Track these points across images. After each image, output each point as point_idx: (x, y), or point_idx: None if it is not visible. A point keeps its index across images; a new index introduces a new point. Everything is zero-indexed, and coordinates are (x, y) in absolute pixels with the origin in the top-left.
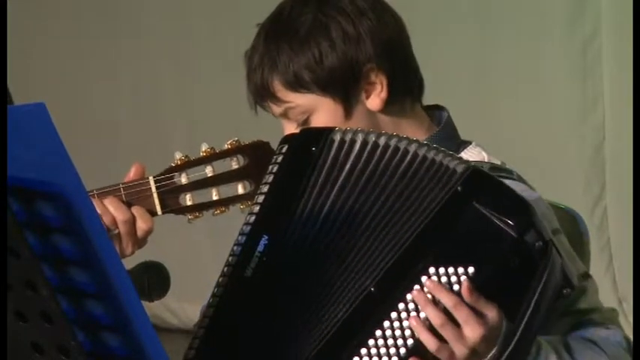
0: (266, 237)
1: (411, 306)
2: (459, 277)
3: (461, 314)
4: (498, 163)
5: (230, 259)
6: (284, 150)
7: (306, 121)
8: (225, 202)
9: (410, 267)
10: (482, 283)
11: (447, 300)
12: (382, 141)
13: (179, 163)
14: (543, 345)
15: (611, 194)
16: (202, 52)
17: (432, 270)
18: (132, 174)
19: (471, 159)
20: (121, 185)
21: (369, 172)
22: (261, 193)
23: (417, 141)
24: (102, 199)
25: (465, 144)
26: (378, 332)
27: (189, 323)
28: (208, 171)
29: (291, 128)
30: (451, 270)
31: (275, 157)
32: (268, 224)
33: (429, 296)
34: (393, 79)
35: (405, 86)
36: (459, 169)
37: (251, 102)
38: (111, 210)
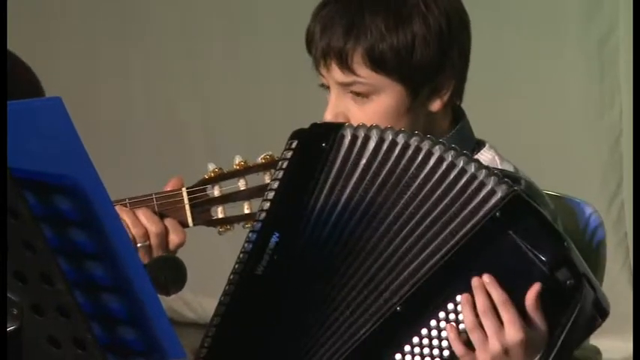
0: (277, 234)
1: (434, 333)
2: None
3: (508, 314)
4: (510, 168)
5: (241, 255)
6: (293, 145)
7: (366, 97)
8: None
9: (438, 292)
10: None
11: (496, 296)
12: (401, 139)
13: (212, 175)
14: None
15: (628, 189)
16: (216, 52)
17: (458, 298)
18: (169, 186)
19: (484, 163)
20: (154, 196)
21: (387, 172)
22: (271, 190)
23: (442, 143)
24: (134, 210)
25: (479, 145)
26: (398, 356)
27: (206, 317)
28: (241, 184)
29: (341, 99)
30: None
31: (284, 152)
32: (279, 221)
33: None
34: (458, 87)
35: (460, 93)
36: (500, 191)
37: (314, 61)
38: (143, 221)
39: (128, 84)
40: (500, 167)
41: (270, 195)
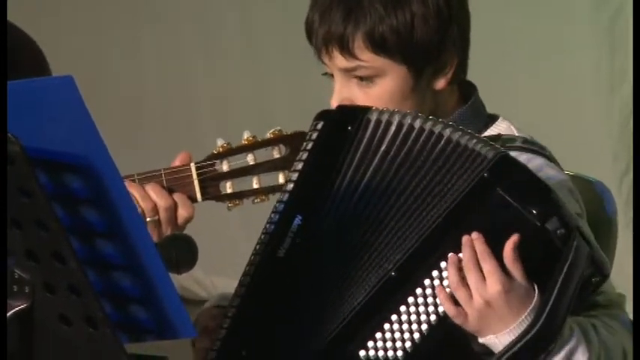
0: (300, 217)
1: (428, 291)
2: None
3: (487, 265)
4: (528, 137)
5: (263, 237)
6: (319, 127)
7: (370, 81)
8: (265, 191)
9: (430, 252)
10: None
11: (480, 249)
12: (417, 124)
13: (221, 150)
14: (576, 331)
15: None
16: (229, 31)
17: (451, 255)
18: (177, 162)
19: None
20: (162, 171)
21: (403, 155)
22: (295, 171)
23: (451, 125)
24: (143, 185)
25: (492, 119)
26: (394, 317)
27: None
28: (250, 159)
29: (345, 85)
30: None
31: (310, 133)
32: (302, 203)
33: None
34: (461, 63)
35: (464, 69)
36: (489, 155)
37: (316, 49)
38: (152, 196)
39: (140, 62)
40: (518, 135)
41: (294, 176)
